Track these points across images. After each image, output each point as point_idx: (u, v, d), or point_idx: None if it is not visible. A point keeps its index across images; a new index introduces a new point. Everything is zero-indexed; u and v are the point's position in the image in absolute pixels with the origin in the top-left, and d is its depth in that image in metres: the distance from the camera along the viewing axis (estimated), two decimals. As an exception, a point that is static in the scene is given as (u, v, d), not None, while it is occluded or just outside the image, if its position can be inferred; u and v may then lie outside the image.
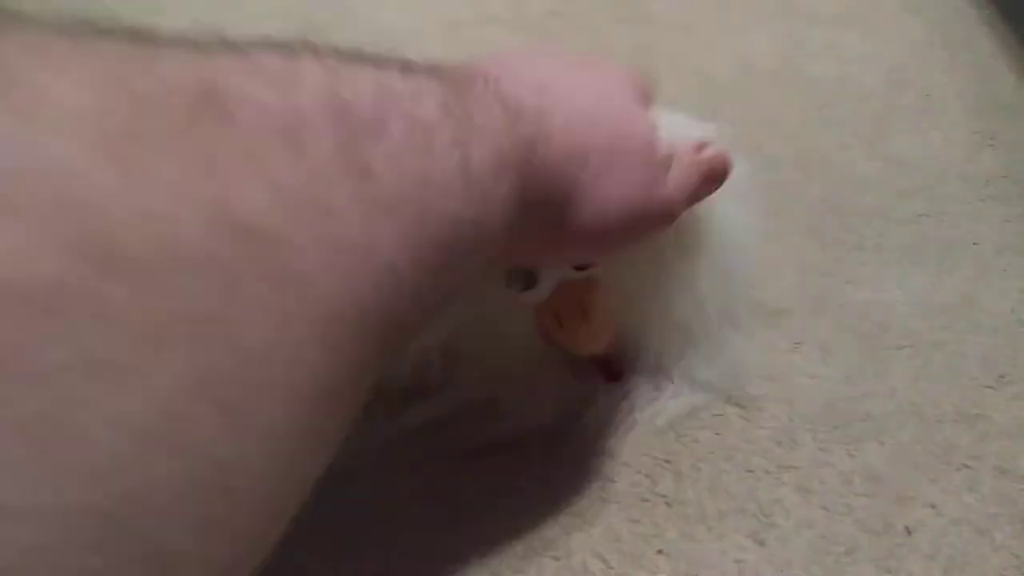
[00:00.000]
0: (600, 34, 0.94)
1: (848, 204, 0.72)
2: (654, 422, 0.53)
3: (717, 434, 0.53)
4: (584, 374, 0.54)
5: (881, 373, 0.57)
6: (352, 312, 0.25)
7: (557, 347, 0.49)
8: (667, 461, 0.52)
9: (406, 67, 0.31)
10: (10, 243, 0.19)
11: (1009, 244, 0.68)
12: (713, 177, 0.45)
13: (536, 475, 0.50)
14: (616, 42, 0.92)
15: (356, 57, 0.29)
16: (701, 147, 0.45)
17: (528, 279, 0.46)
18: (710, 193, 0.46)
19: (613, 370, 0.55)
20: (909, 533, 0.47)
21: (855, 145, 0.78)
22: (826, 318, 0.61)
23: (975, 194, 0.73)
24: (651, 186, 0.40)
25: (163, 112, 0.22)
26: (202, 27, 0.27)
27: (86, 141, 0.21)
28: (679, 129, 0.45)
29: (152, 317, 0.21)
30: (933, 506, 0.49)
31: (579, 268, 0.47)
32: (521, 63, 0.39)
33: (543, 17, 0.96)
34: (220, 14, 0.95)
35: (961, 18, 0.97)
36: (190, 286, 0.21)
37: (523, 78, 0.36)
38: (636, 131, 0.40)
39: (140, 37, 0.25)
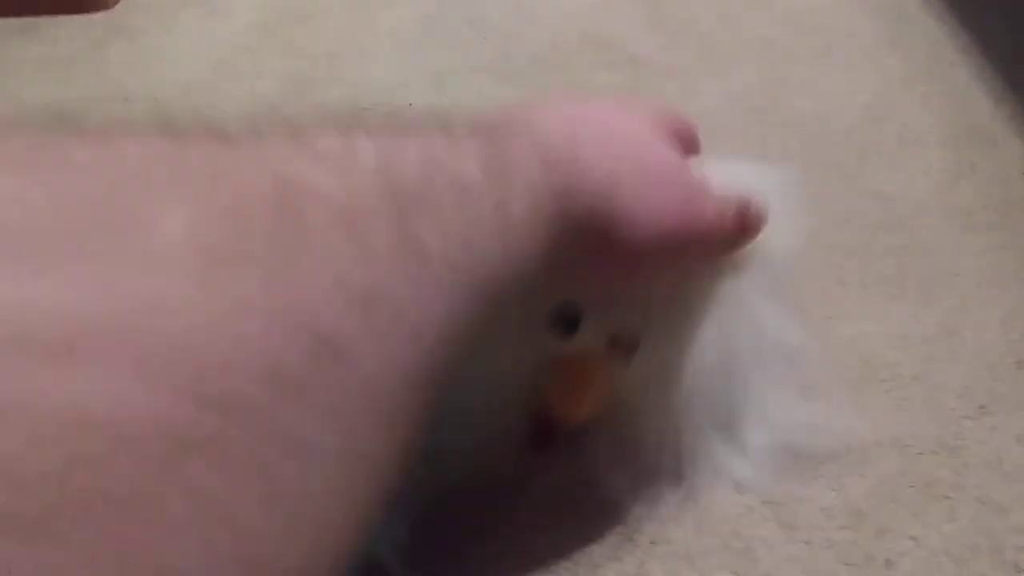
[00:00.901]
0: (585, 79, 0.96)
1: (830, 239, 0.73)
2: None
3: (700, 473, 0.54)
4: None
5: (862, 407, 0.58)
6: (403, 391, 0.26)
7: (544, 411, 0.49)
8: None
9: (447, 129, 0.33)
10: (118, 388, 0.20)
11: (988, 275, 0.69)
12: (745, 230, 0.46)
13: (516, 518, 0.51)
14: (601, 87, 0.95)
15: (401, 127, 0.31)
16: (743, 201, 0.45)
17: (570, 323, 0.46)
18: (740, 245, 0.46)
19: (545, 435, 0.51)
20: (889, 566, 0.48)
21: (835, 180, 0.80)
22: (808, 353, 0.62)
23: (955, 225, 0.75)
24: (686, 202, 0.41)
25: (248, 227, 0.23)
26: (262, 108, 0.29)
27: (179, 272, 0.21)
28: (731, 176, 0.46)
29: (253, 447, 0.21)
30: (914, 538, 0.49)
31: (613, 346, 0.47)
32: (553, 109, 0.41)
33: (527, 65, 0.98)
34: (214, 76, 0.98)
35: (937, 50, 0.98)
36: (286, 413, 0.22)
37: (556, 125, 0.38)
38: (664, 157, 0.41)
39: (216, 134, 0.26)
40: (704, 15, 1.07)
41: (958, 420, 0.56)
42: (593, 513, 0.51)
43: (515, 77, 0.96)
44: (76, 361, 0.19)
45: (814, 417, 0.53)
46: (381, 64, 1.00)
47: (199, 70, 0.99)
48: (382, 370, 0.25)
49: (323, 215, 0.25)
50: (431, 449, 0.34)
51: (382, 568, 0.46)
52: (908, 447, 0.55)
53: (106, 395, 0.19)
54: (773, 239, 0.48)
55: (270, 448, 0.22)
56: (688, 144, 0.46)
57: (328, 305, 0.24)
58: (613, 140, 0.40)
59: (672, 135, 0.45)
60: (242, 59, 1.01)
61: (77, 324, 0.19)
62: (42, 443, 0.18)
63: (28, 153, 0.23)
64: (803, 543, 0.50)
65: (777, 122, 0.88)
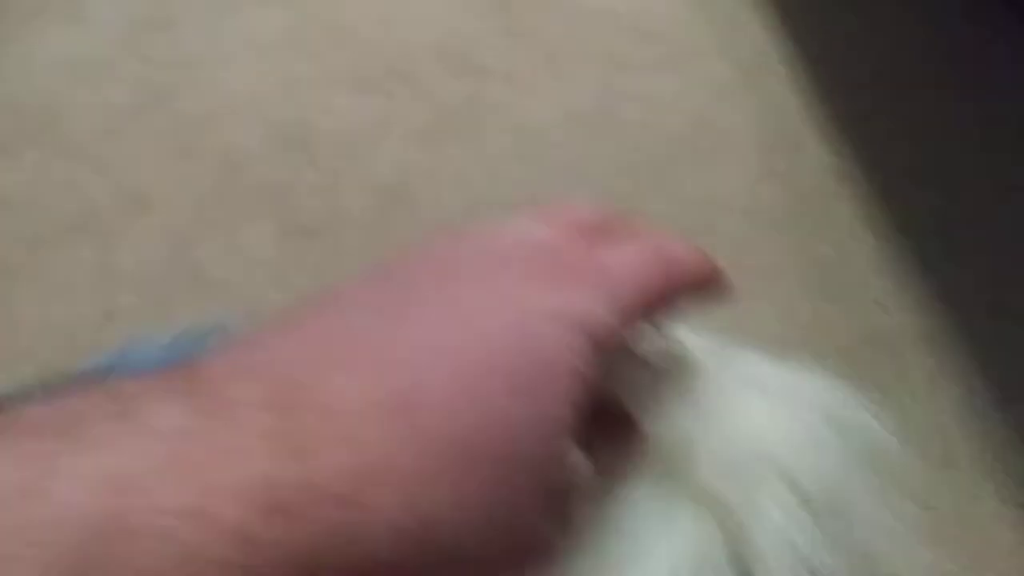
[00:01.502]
0: (435, 88, 1.01)
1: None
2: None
3: None
4: None
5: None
6: None
7: None
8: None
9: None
10: None
11: (771, 270, 0.77)
12: None
13: None
14: (449, 96, 1.00)
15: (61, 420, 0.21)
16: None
17: None
18: None
19: None
20: None
21: (651, 187, 0.87)
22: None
23: (755, 223, 0.83)
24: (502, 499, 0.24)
25: None
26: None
27: None
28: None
29: None
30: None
31: None
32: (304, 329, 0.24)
33: (382, 76, 1.03)
34: (71, 85, 1.00)
35: (764, 59, 1.07)
36: None
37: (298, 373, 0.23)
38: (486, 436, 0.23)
39: None
40: (554, 26, 1.13)
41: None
42: None
43: (369, 87, 1.01)
44: None
45: None
46: (238, 73, 1.03)
47: (56, 78, 1.01)
48: None
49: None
50: None
51: None
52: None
53: None
54: None
55: None
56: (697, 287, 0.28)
57: None
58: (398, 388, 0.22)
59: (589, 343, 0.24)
60: (99, 68, 1.03)
61: None
62: None
63: None
64: None
65: (608, 132, 0.95)
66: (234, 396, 0.22)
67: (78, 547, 0.19)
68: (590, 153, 0.92)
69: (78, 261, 0.82)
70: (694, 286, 0.28)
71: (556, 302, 0.24)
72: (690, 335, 0.30)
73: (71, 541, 0.19)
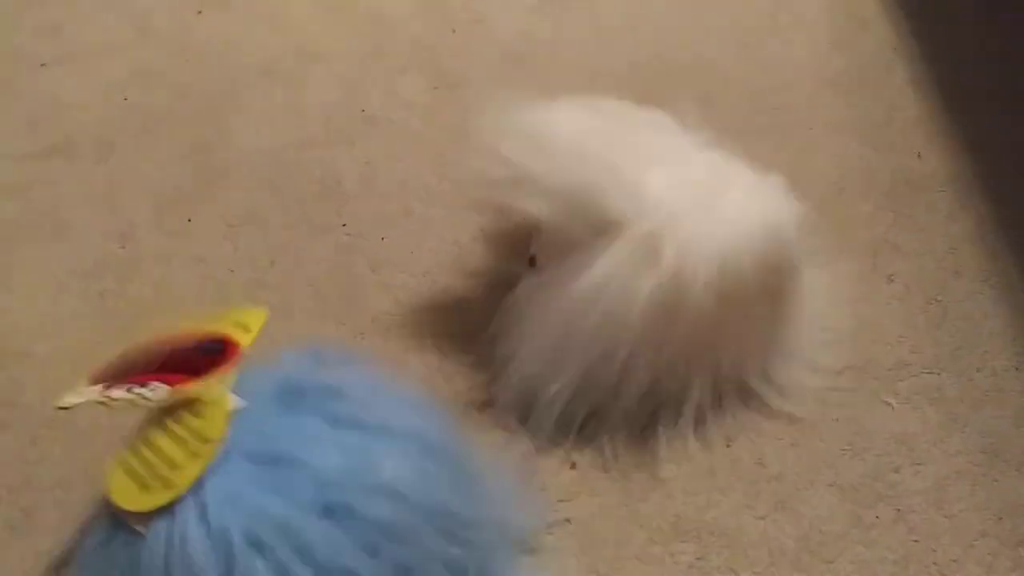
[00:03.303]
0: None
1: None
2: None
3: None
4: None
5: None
6: None
7: None
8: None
9: None
10: None
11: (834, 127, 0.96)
12: None
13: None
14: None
15: None
16: None
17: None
18: None
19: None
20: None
21: (735, 52, 1.05)
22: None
23: (824, 90, 1.00)
24: None
25: None
26: None
27: None
28: None
29: None
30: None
31: None
32: None
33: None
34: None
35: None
36: None
37: None
38: None
39: None
40: None
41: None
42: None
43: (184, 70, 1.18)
44: None
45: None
46: (58, 79, 1.21)
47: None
48: None
49: None
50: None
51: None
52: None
53: None
54: None
55: None
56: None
57: None
58: None
59: None
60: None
61: None
62: None
63: None
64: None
65: (704, 4, 1.12)
66: None
67: None
68: (686, 23, 1.09)
69: (272, 98, 1.04)
70: None
71: None
72: None
73: None
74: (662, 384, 0.70)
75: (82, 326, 0.82)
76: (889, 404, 0.75)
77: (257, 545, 0.52)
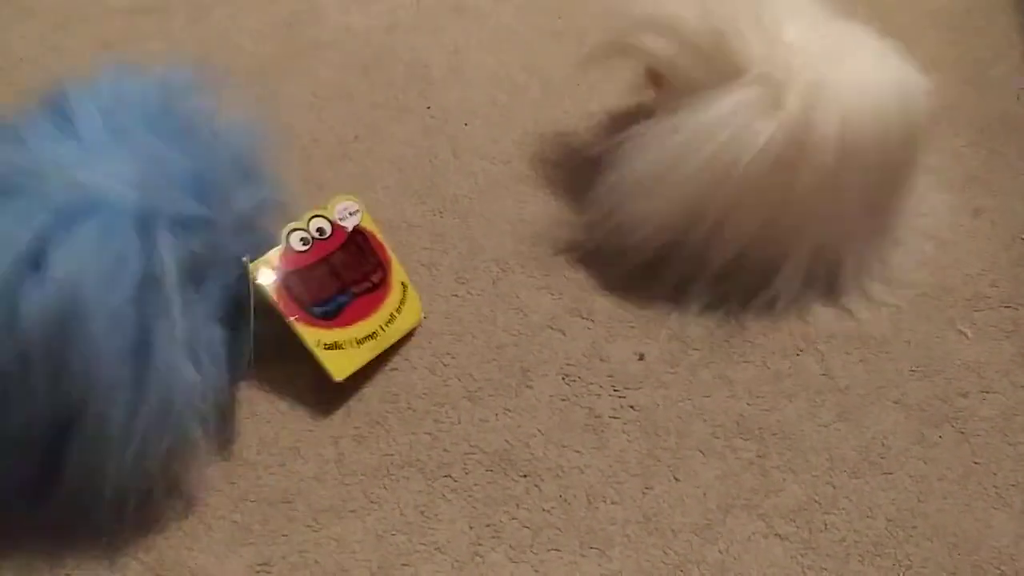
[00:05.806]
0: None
1: None
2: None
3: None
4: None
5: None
6: None
7: None
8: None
9: None
10: None
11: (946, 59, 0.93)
12: None
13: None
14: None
15: None
16: None
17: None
18: None
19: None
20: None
21: None
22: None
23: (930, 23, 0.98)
24: None
25: None
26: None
27: None
28: None
29: None
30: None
31: None
32: None
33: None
34: None
35: None
36: None
37: None
38: None
39: None
40: None
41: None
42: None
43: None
44: None
45: None
46: None
47: None
48: None
49: None
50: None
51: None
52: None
53: None
54: None
55: None
56: None
57: None
58: None
59: None
60: None
61: None
62: None
63: None
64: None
65: None
66: None
67: None
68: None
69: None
70: None
71: None
72: None
73: None
74: (750, 258, 0.69)
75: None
76: (963, 333, 0.74)
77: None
